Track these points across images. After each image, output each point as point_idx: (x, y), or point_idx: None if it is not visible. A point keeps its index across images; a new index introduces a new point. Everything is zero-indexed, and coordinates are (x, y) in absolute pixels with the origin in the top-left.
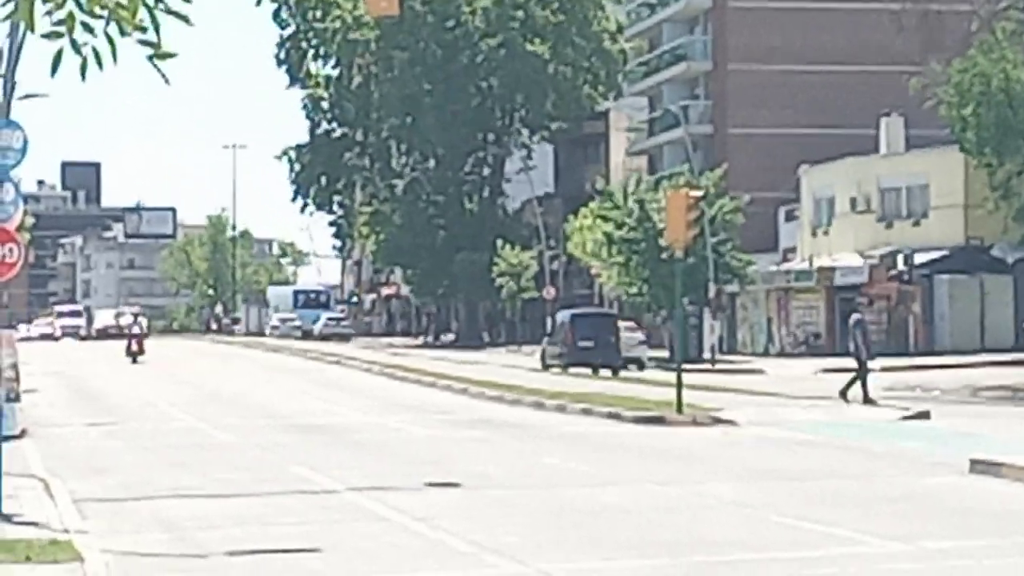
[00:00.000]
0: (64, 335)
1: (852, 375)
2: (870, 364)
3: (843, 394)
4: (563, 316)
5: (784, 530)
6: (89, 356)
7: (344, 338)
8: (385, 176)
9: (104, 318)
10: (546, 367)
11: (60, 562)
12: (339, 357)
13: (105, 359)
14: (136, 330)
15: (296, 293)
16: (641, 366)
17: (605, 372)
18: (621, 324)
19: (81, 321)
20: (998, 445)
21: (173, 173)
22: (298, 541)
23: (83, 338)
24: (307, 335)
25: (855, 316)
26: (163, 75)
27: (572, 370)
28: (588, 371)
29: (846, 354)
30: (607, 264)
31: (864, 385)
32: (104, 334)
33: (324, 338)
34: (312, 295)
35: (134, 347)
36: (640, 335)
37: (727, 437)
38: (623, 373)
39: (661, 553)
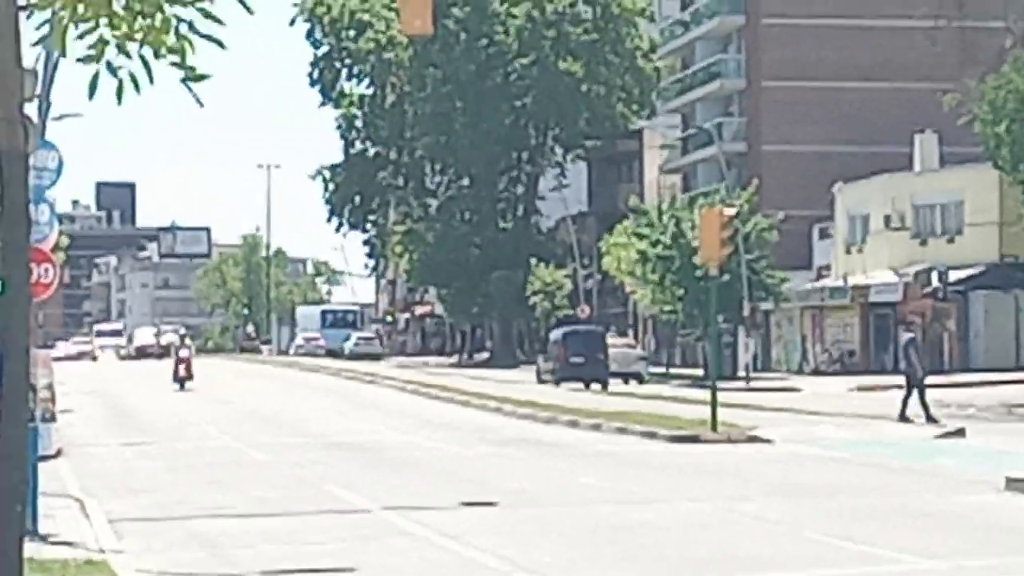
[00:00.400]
0: (103, 355)
1: (916, 394)
2: (926, 381)
3: (929, 417)
4: (556, 334)
5: (819, 547)
6: (128, 376)
7: (374, 357)
8: (419, 195)
9: (143, 336)
10: (541, 381)
11: None
12: (373, 376)
13: (145, 379)
14: (184, 353)
15: (324, 313)
16: (641, 380)
17: (626, 387)
18: (621, 340)
19: (121, 340)
20: None
21: (207, 193)
22: (333, 560)
23: (123, 357)
24: (333, 354)
25: (907, 335)
26: (197, 98)
27: (596, 386)
28: (620, 385)
29: (880, 371)
30: (642, 282)
31: (905, 403)
32: (143, 353)
33: (355, 357)
34: (340, 315)
35: (182, 372)
36: (640, 351)
37: (762, 455)
38: (651, 389)
39: (697, 571)
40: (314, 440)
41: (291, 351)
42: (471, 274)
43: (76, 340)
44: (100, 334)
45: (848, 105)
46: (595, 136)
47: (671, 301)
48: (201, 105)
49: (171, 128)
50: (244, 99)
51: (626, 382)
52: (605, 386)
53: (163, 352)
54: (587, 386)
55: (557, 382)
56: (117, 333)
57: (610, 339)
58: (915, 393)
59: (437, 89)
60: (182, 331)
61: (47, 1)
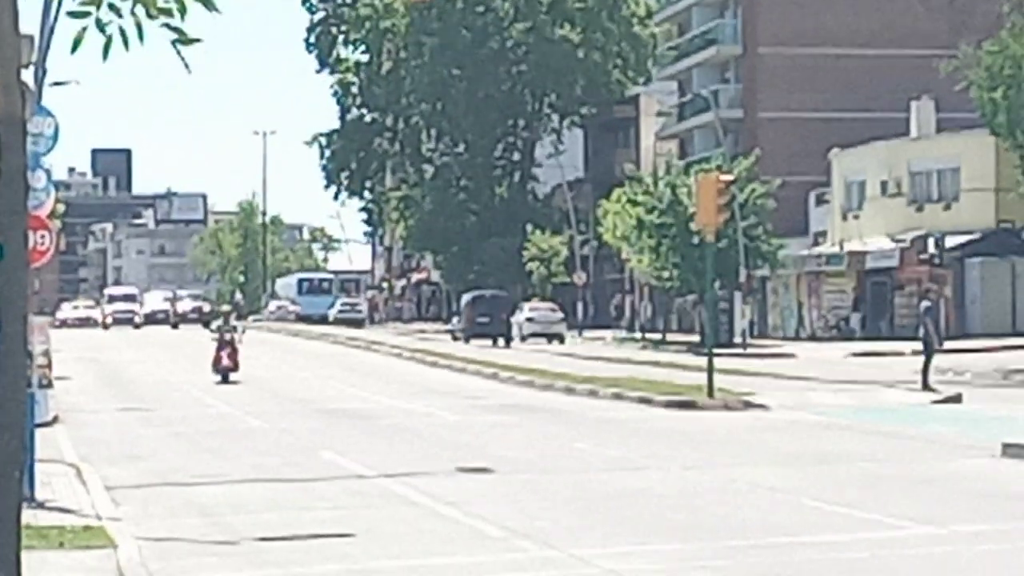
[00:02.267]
0: (116, 323)
1: (923, 362)
2: (939, 349)
3: (925, 384)
4: (466, 298)
5: (816, 514)
6: (146, 345)
7: (357, 323)
8: (415, 161)
9: (154, 302)
10: (455, 339)
11: (93, 548)
12: (369, 343)
13: (169, 351)
14: (228, 335)
15: (300, 281)
16: (561, 340)
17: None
18: (544, 305)
19: (136, 307)
20: None
21: (204, 159)
22: (331, 526)
23: (137, 326)
24: (308, 320)
25: (925, 303)
26: (185, 63)
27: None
28: (543, 344)
29: (878, 338)
30: (638, 249)
31: (926, 371)
32: (153, 319)
33: (338, 323)
34: (316, 282)
35: (225, 360)
36: (559, 314)
37: (758, 421)
38: (648, 356)
39: (694, 537)
40: (311, 407)
41: (264, 317)
42: (467, 240)
43: (79, 303)
44: (112, 299)
45: (845, 71)
46: (592, 103)
47: (667, 267)
48: (189, 71)
49: (167, 94)
50: (240, 65)
51: (549, 342)
52: (508, 343)
53: (179, 320)
54: (494, 342)
55: (466, 339)
56: (131, 298)
57: (534, 303)
58: (928, 357)
59: (434, 56)
60: (225, 307)
61: None
